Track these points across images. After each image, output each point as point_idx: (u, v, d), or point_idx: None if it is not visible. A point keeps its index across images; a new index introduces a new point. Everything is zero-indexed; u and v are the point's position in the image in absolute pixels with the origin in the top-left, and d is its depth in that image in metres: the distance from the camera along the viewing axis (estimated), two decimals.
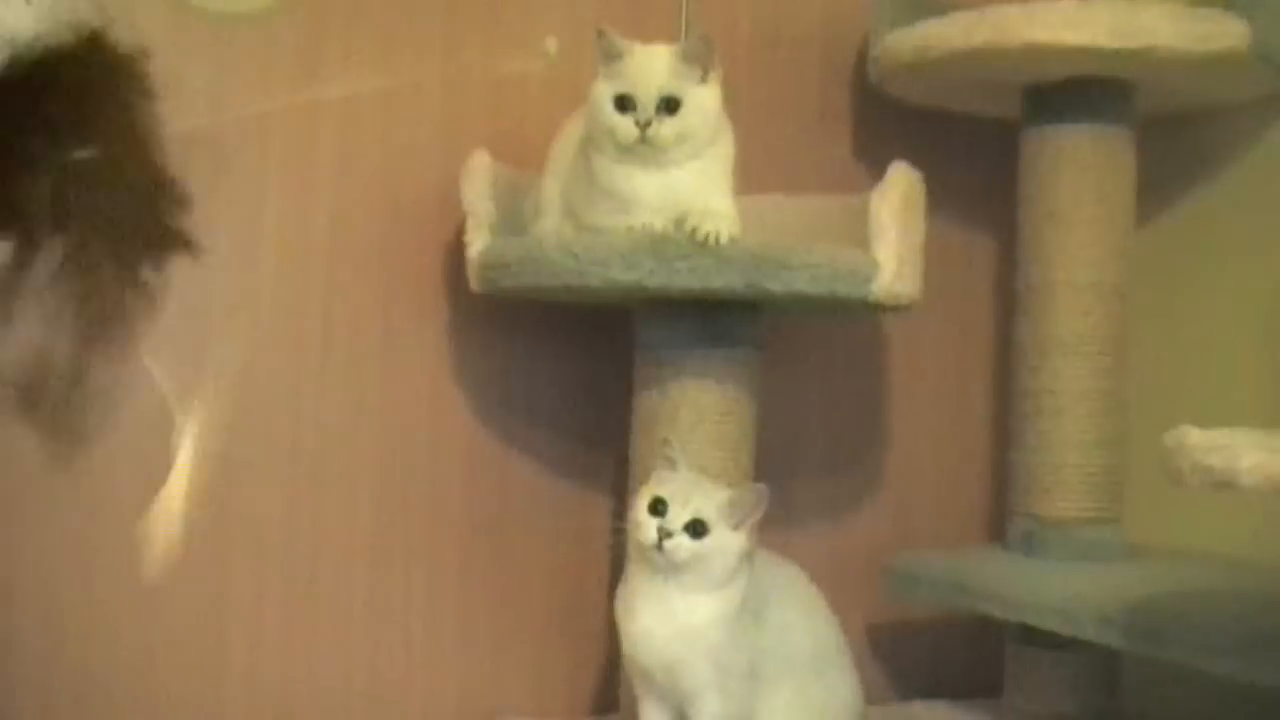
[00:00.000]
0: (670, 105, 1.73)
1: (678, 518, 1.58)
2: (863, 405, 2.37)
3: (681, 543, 1.57)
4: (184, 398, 1.94)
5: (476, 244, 1.88)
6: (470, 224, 1.90)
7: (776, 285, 1.73)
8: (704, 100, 1.75)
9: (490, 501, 2.11)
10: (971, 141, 2.34)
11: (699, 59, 1.74)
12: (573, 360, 2.15)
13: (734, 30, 2.23)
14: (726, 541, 1.59)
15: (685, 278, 1.71)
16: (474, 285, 1.89)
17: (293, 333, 2.00)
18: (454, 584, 2.09)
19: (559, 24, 2.14)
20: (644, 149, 1.73)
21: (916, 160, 1.97)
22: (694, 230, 1.71)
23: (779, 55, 2.27)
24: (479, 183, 1.91)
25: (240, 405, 1.97)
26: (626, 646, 1.64)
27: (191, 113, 1.92)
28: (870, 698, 2.18)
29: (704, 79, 1.75)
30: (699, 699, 1.62)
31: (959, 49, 1.94)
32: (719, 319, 1.87)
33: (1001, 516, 2.22)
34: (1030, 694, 2.05)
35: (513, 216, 1.95)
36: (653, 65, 1.73)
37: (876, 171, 1.95)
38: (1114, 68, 1.96)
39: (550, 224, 1.87)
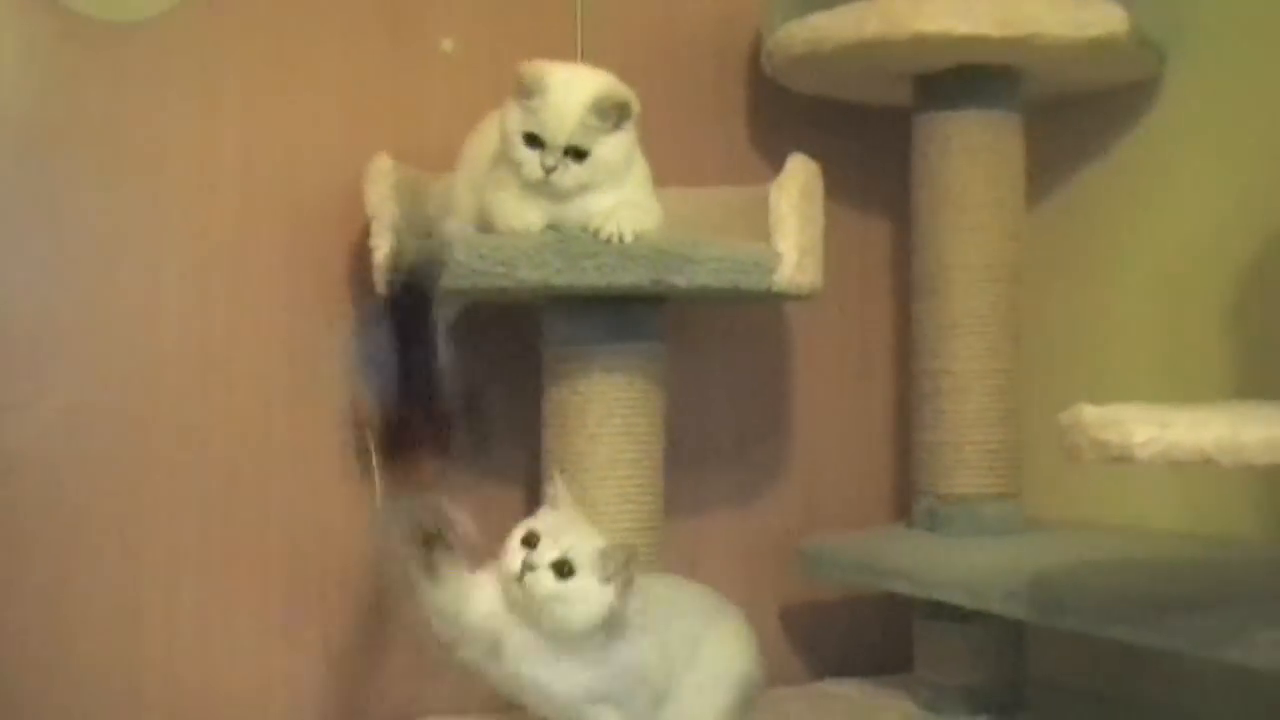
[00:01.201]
0: (578, 154, 1.74)
1: (546, 553, 1.57)
2: (768, 392, 2.41)
3: (542, 579, 1.56)
4: (89, 403, 1.93)
5: (382, 247, 1.88)
6: (375, 227, 1.89)
7: (681, 280, 1.76)
8: (611, 150, 1.77)
9: None
10: (865, 129, 2.38)
11: (613, 115, 1.75)
12: (482, 358, 2.15)
13: (629, 25, 2.25)
14: (591, 590, 1.57)
15: (591, 275, 1.73)
16: (380, 287, 1.89)
17: (198, 337, 2.00)
18: (364, 582, 2.09)
19: (457, 23, 2.15)
20: (547, 189, 1.75)
21: (812, 149, 2.01)
22: (597, 230, 1.74)
23: (675, 49, 2.29)
24: (382, 185, 1.91)
25: (147, 411, 1.97)
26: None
27: (87, 121, 1.92)
28: (784, 678, 2.25)
29: (618, 126, 1.76)
30: None
31: (850, 40, 1.98)
32: (624, 313, 1.90)
33: (906, 496, 2.26)
34: (939, 667, 2.09)
35: (417, 218, 1.95)
36: (564, 114, 1.73)
37: (774, 162, 1.99)
38: (1000, 55, 2.01)
39: (458, 225, 1.87)
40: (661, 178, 1.96)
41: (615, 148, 1.77)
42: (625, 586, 1.59)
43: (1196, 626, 1.53)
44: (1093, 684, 2.16)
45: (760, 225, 1.92)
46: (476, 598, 1.62)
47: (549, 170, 1.74)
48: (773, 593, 2.36)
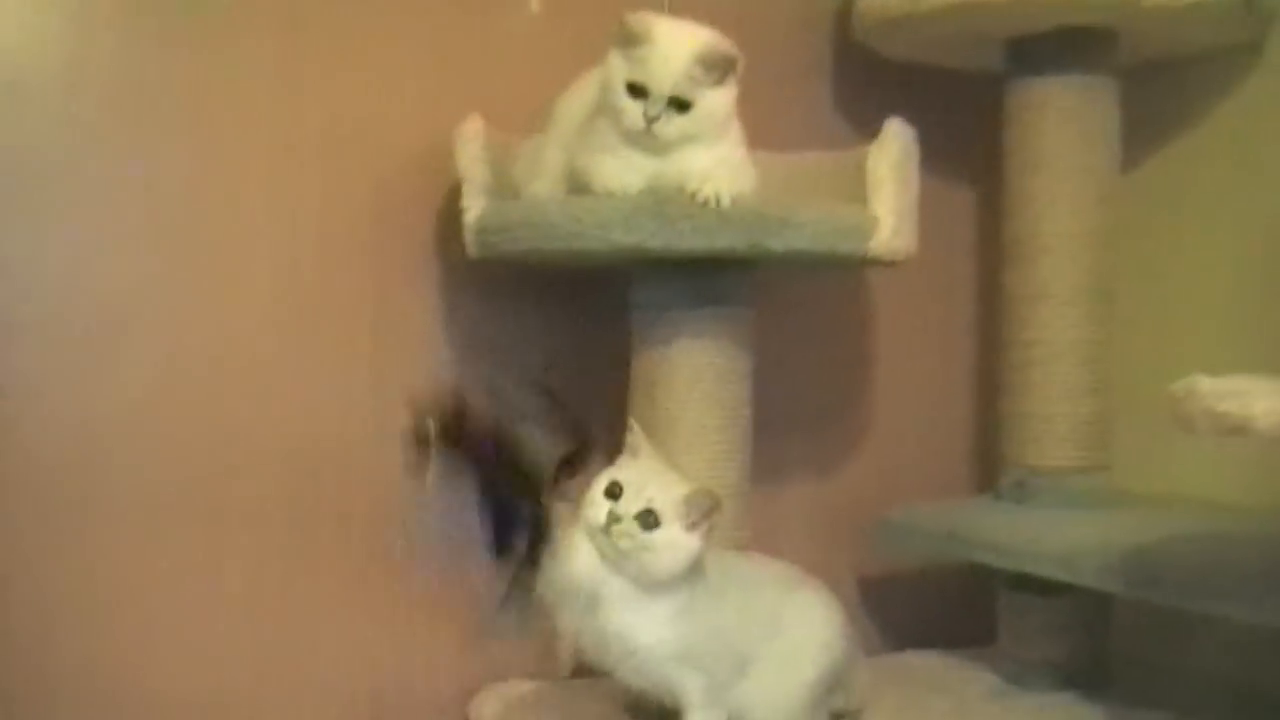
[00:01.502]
0: (681, 105, 1.71)
1: (631, 504, 1.56)
2: (849, 360, 2.38)
3: (629, 530, 1.55)
4: (173, 373, 1.92)
5: (474, 208, 1.87)
6: (466, 189, 1.88)
7: (778, 244, 1.74)
8: (715, 103, 1.74)
9: None
10: (955, 95, 2.34)
11: (718, 68, 1.72)
12: (568, 323, 2.14)
13: None
14: (678, 539, 1.57)
15: (688, 239, 1.70)
16: (471, 251, 1.88)
17: (286, 304, 1.99)
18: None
19: None
20: (648, 139, 1.72)
21: (902, 115, 1.97)
22: (694, 193, 1.71)
23: (762, 11, 2.25)
24: (473, 147, 1.89)
25: (232, 381, 1.96)
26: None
27: (171, 85, 1.91)
28: (865, 650, 2.21)
29: (721, 81, 1.73)
30: (676, 688, 1.63)
31: (944, 3, 1.94)
32: (715, 278, 1.87)
33: (987, 468, 2.24)
34: (1023, 642, 2.07)
35: (501, 180, 1.94)
36: (670, 63, 1.70)
37: (860, 128, 1.96)
38: (1099, 17, 1.97)
39: (547, 187, 1.86)
40: (748, 141, 1.93)
41: (719, 102, 1.74)
42: (709, 533, 1.59)
43: None
44: (1178, 660, 2.13)
45: (851, 191, 1.89)
46: (575, 555, 1.62)
47: (651, 120, 1.71)
48: (850, 563, 2.34)
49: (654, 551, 1.56)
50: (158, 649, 1.92)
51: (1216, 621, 1.62)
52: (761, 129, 1.90)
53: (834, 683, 1.75)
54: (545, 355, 2.13)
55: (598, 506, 1.58)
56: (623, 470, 1.61)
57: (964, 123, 2.33)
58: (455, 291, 2.08)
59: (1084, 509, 2.03)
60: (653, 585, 1.59)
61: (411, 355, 2.06)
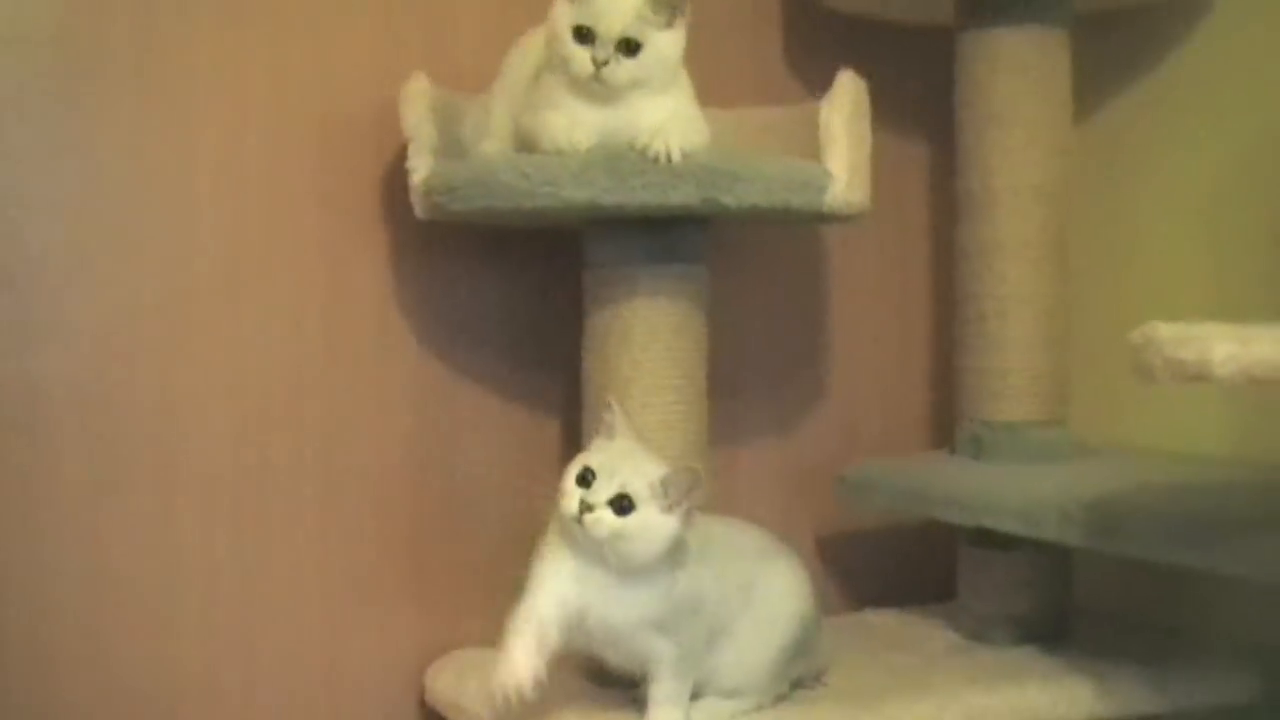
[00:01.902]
0: (630, 47, 1.68)
1: (602, 491, 1.53)
2: (804, 316, 2.37)
3: (602, 517, 1.52)
4: (119, 330, 1.89)
5: (420, 169, 1.84)
6: (412, 149, 1.85)
7: (731, 199, 1.71)
8: (665, 46, 1.71)
9: (439, 428, 2.08)
10: (907, 48, 2.33)
11: (667, 7, 1.70)
12: (519, 282, 2.12)
13: None
14: (654, 522, 1.53)
15: (640, 194, 1.68)
16: (419, 212, 1.85)
17: (230, 264, 1.95)
18: (404, 513, 2.07)
19: None
20: (596, 86, 1.69)
21: (852, 69, 1.95)
22: (645, 148, 1.69)
23: None
24: (419, 106, 1.86)
25: (178, 340, 1.92)
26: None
27: (113, 42, 1.87)
28: (824, 609, 2.20)
29: (670, 23, 1.71)
30: (646, 656, 1.61)
31: None
32: (668, 235, 1.85)
33: (945, 423, 2.23)
34: (983, 596, 2.06)
35: (450, 139, 1.91)
36: (618, 3, 1.68)
37: (810, 83, 1.95)
38: None
39: (496, 145, 1.83)
40: (697, 97, 1.91)
41: (669, 45, 1.71)
42: (689, 513, 1.56)
43: (1252, 549, 1.50)
44: (1138, 611, 2.14)
45: (803, 145, 1.87)
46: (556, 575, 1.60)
47: (600, 64, 1.68)
48: (810, 521, 2.33)
49: (628, 538, 1.53)
50: (103, 615, 1.89)
51: (1178, 573, 1.61)
52: (711, 85, 1.88)
53: (801, 650, 1.75)
54: (496, 314, 2.11)
55: (570, 495, 1.54)
56: (595, 455, 1.58)
57: (916, 76, 2.32)
58: (407, 253, 2.05)
59: (1042, 463, 2.02)
60: (633, 571, 1.56)
61: (364, 318, 2.03)
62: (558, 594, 1.58)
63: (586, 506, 1.52)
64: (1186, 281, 2.12)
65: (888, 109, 2.23)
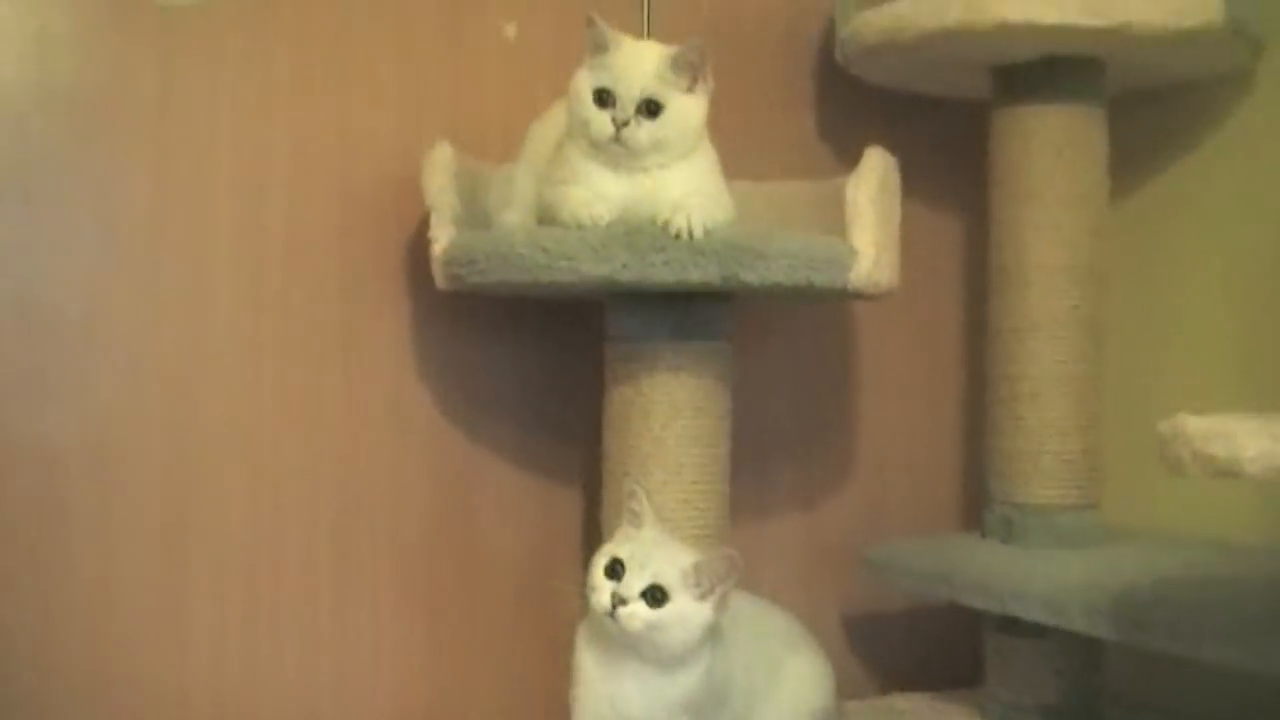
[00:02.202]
0: (651, 108, 1.66)
1: (635, 583, 1.49)
2: (833, 392, 2.33)
3: (636, 611, 1.48)
4: (135, 396, 1.87)
5: (441, 239, 1.82)
6: (434, 219, 1.83)
7: (753, 276, 1.68)
8: (687, 110, 1.69)
9: (457, 502, 2.06)
10: (940, 122, 2.31)
11: (689, 67, 1.68)
12: (540, 354, 2.10)
13: (696, 10, 2.18)
14: (688, 611, 1.50)
15: (660, 271, 1.65)
16: (439, 282, 1.83)
17: (249, 330, 1.94)
18: (421, 585, 2.04)
19: (520, 7, 2.08)
20: (617, 149, 1.67)
21: (885, 143, 1.93)
22: (666, 224, 1.66)
23: (744, 37, 2.22)
24: (441, 175, 1.85)
25: (196, 406, 1.91)
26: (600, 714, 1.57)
27: (137, 105, 1.86)
28: (848, 691, 2.18)
29: (691, 89, 1.69)
30: None
31: (930, 29, 1.89)
32: (691, 310, 1.82)
33: (974, 504, 2.19)
34: (1011, 684, 2.01)
35: (473, 208, 1.89)
36: (639, 64, 1.67)
37: (845, 156, 1.92)
38: (1087, 46, 1.92)
39: (517, 217, 1.81)
40: (727, 171, 1.89)
41: (691, 108, 1.70)
42: (723, 598, 1.52)
43: None
44: (1174, 703, 2.08)
45: (833, 220, 1.84)
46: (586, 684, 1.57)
47: (620, 125, 1.66)
48: (835, 600, 2.30)
49: (664, 630, 1.50)
50: (112, 677, 1.86)
51: (1212, 664, 1.56)
52: (742, 157, 1.87)
53: None
54: (517, 386, 2.08)
55: (600, 590, 1.50)
56: (623, 545, 1.54)
57: (953, 150, 2.29)
58: (427, 322, 2.03)
59: (1072, 548, 1.97)
60: (667, 661, 1.53)
61: (382, 387, 2.01)
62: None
63: (620, 600, 1.48)
64: (1222, 365, 2.07)
65: (923, 183, 2.21)
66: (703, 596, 1.51)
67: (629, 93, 1.66)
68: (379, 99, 2.01)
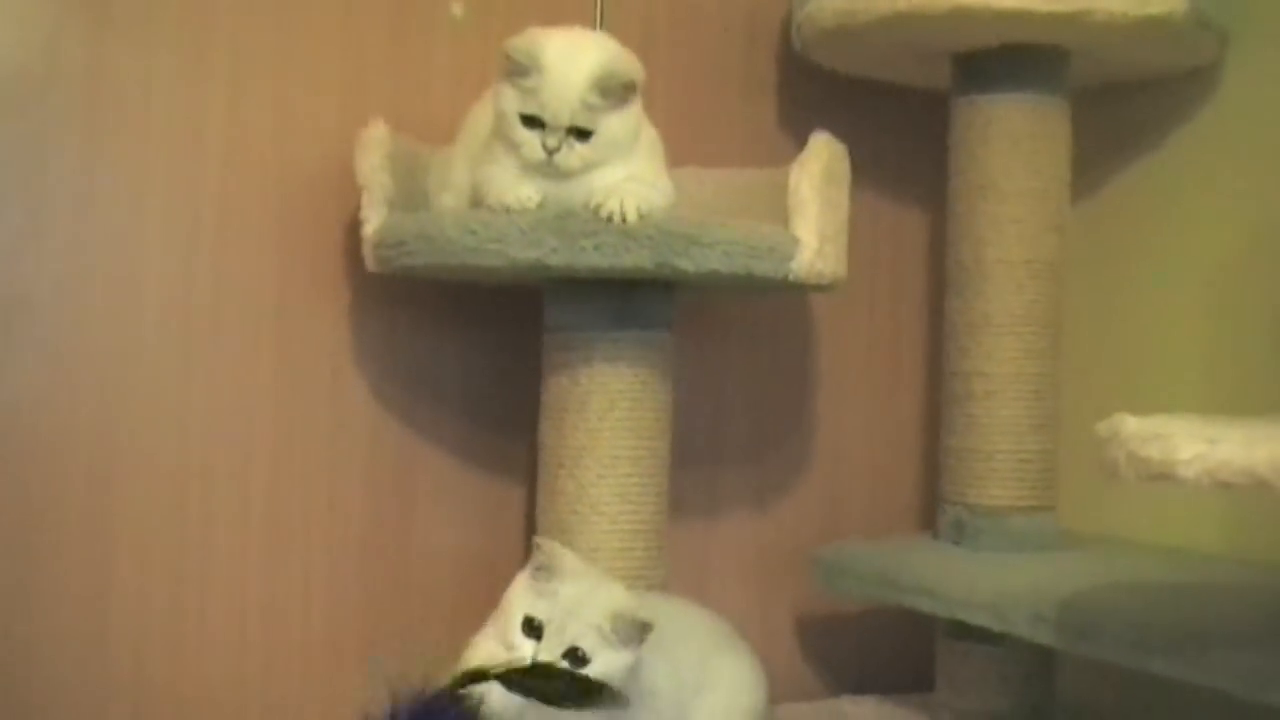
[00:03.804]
0: (581, 134, 1.62)
1: (554, 646, 1.44)
2: (788, 389, 2.27)
3: None
4: (62, 378, 1.81)
5: (372, 221, 1.76)
6: (366, 199, 1.78)
7: (688, 264, 1.63)
8: (617, 129, 1.65)
9: (395, 494, 2.00)
10: (900, 112, 2.25)
11: (616, 93, 1.63)
12: (482, 343, 2.04)
13: None
14: (610, 666, 1.44)
15: (590, 256, 1.60)
16: (369, 264, 1.78)
17: (180, 316, 1.88)
18: (355, 578, 1.98)
19: None
20: (550, 169, 1.63)
21: (844, 131, 1.88)
22: (598, 208, 1.61)
23: (699, 21, 2.16)
24: (375, 155, 1.79)
25: (124, 393, 1.85)
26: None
27: (67, 79, 1.80)
28: (798, 694, 2.14)
29: (622, 103, 1.64)
30: None
31: (885, 13, 1.84)
32: (630, 299, 1.77)
33: (934, 505, 2.13)
34: (962, 690, 1.97)
35: (414, 192, 1.83)
36: (564, 92, 1.60)
37: (802, 144, 1.85)
38: (1048, 33, 1.87)
39: (452, 200, 1.75)
40: (681, 157, 1.84)
41: (621, 124, 1.65)
42: (641, 645, 1.47)
43: (1238, 664, 1.40)
44: (1126, 712, 2.02)
45: (782, 209, 1.78)
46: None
47: (552, 151, 1.62)
48: (788, 603, 2.24)
49: None
50: (31, 668, 1.80)
51: (1166, 678, 1.51)
52: (697, 143, 1.83)
53: None
54: (459, 376, 2.02)
55: (520, 652, 1.45)
56: (538, 603, 1.47)
57: (916, 141, 2.24)
58: (366, 309, 1.97)
59: (1025, 551, 1.93)
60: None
61: (318, 374, 1.95)
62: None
63: None
64: (1183, 365, 2.02)
65: (884, 174, 2.17)
66: (622, 645, 1.46)
67: (556, 121, 1.61)
68: (320, 79, 1.95)
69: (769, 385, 2.25)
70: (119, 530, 1.85)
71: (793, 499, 2.26)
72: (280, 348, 1.93)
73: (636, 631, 1.46)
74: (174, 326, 1.88)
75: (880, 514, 2.31)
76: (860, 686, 2.22)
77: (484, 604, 1.98)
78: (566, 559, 1.52)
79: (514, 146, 1.64)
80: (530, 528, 1.99)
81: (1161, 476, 1.18)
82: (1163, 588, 1.73)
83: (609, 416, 1.76)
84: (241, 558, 1.91)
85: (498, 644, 1.49)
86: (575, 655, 1.44)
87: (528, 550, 1.90)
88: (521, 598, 1.49)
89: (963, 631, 1.90)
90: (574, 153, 1.62)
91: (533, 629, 1.46)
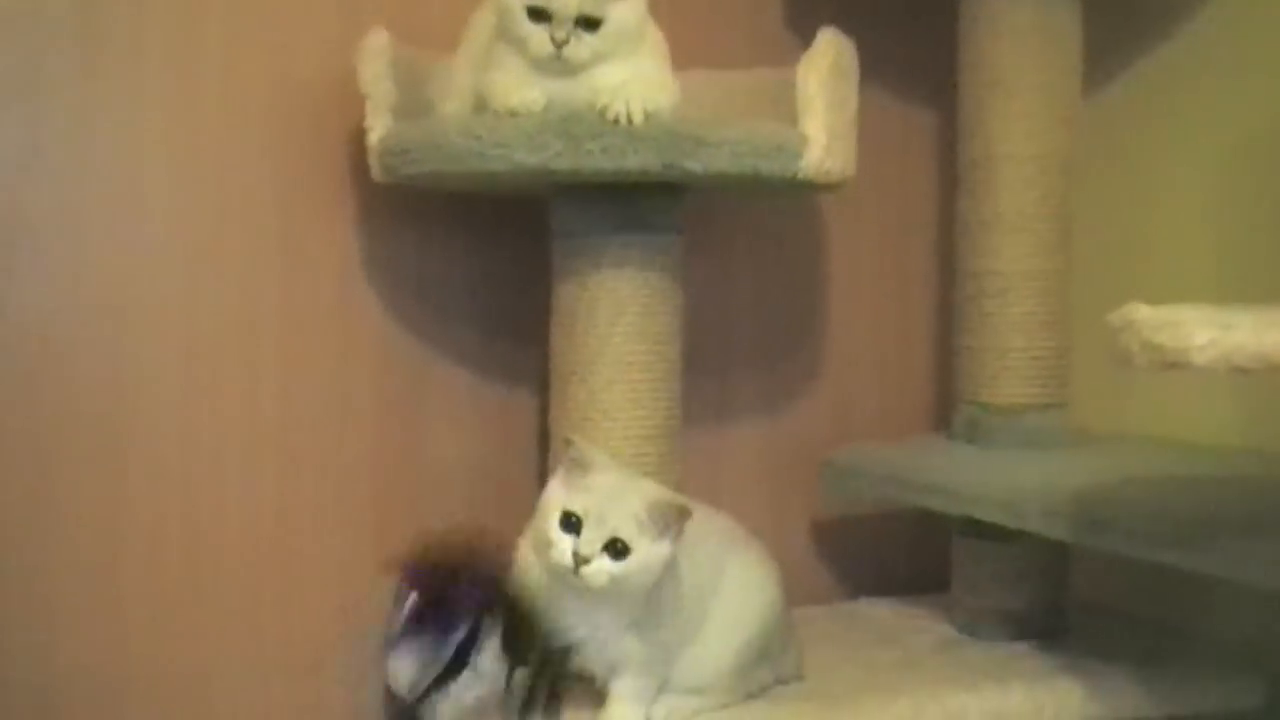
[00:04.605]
0: (589, 23, 1.59)
1: (595, 539, 1.45)
2: (799, 292, 2.26)
3: (600, 568, 1.45)
4: (64, 302, 1.81)
5: (376, 129, 1.75)
6: (369, 108, 1.77)
7: (696, 164, 1.61)
8: (625, 16, 1.62)
9: (406, 403, 2.00)
10: (908, 8, 2.22)
11: None
12: (492, 253, 2.03)
13: None
14: (650, 557, 1.46)
15: (596, 159, 1.58)
16: (375, 173, 1.76)
17: (182, 229, 1.87)
18: (367, 490, 1.98)
19: None
20: (557, 65, 1.61)
21: (852, 29, 1.84)
22: (604, 109, 1.59)
23: None
24: (377, 63, 1.77)
25: (129, 314, 1.85)
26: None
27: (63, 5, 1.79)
28: (814, 596, 2.15)
29: None
30: (624, 657, 1.54)
31: None
32: (637, 203, 1.75)
33: (947, 406, 2.13)
34: (976, 589, 1.97)
35: (418, 100, 1.81)
36: None
37: (809, 44, 1.83)
38: None
39: (456, 107, 1.74)
40: (684, 59, 1.81)
41: (630, 11, 1.62)
42: (679, 535, 1.49)
43: (1251, 553, 1.39)
44: (1140, 608, 2.03)
45: (790, 111, 1.76)
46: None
47: (560, 44, 1.60)
48: (802, 506, 2.24)
49: (629, 579, 1.47)
50: (48, 589, 1.82)
51: (1185, 570, 1.50)
52: (701, 45, 1.79)
53: (766, 651, 1.67)
54: (469, 286, 2.01)
55: (560, 547, 1.46)
56: (575, 498, 1.48)
57: (925, 39, 2.20)
58: (372, 220, 1.96)
59: (1039, 449, 1.93)
60: (626, 598, 1.50)
61: (326, 286, 1.94)
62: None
63: (583, 559, 1.45)
64: (1195, 260, 2.00)
65: (891, 73, 2.14)
66: (660, 535, 1.47)
67: (564, 10, 1.59)
68: None
69: (779, 289, 2.24)
70: (130, 446, 1.85)
71: (804, 402, 2.26)
72: (287, 262, 1.92)
73: (675, 518, 1.48)
74: (177, 242, 1.87)
75: (892, 416, 2.30)
76: (875, 588, 2.22)
77: (496, 513, 1.99)
78: (598, 455, 1.53)
79: (520, 43, 1.61)
80: (542, 436, 1.99)
81: (1175, 364, 1.17)
82: (1175, 481, 1.73)
83: (619, 322, 1.76)
84: (253, 471, 1.92)
85: (534, 548, 1.52)
86: (615, 547, 1.45)
87: (540, 459, 1.93)
88: (557, 496, 1.50)
89: (976, 530, 1.90)
90: (582, 44, 1.60)
91: (570, 524, 1.46)
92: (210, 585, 1.90)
